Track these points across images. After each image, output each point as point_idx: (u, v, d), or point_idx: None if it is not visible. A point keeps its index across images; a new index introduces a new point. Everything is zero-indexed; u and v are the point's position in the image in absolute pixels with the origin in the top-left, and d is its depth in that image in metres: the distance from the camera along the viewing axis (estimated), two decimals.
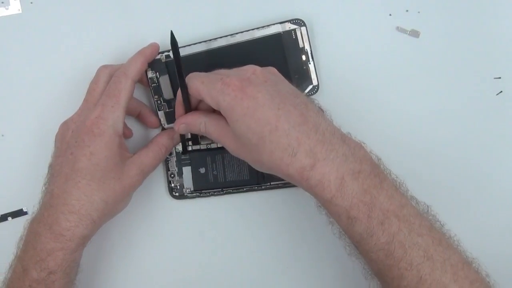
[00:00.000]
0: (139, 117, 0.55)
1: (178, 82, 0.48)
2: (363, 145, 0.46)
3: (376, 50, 0.56)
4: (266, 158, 0.44)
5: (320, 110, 0.47)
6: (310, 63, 0.54)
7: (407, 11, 0.56)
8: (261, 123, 0.44)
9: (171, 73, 0.54)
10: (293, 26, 0.54)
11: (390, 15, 0.56)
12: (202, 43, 0.54)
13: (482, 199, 0.56)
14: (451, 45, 0.56)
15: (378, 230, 0.43)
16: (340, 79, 0.56)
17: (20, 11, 0.55)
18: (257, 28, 0.54)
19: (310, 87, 0.55)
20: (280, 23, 0.54)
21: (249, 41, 0.54)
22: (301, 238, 0.56)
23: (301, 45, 0.54)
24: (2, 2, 0.55)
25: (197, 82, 0.47)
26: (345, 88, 0.56)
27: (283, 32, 0.54)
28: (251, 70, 0.46)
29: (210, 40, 0.54)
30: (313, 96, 0.55)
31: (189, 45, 0.54)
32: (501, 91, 0.56)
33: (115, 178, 0.48)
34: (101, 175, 0.47)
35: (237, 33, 0.54)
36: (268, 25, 0.54)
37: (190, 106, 0.50)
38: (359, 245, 0.45)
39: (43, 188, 0.50)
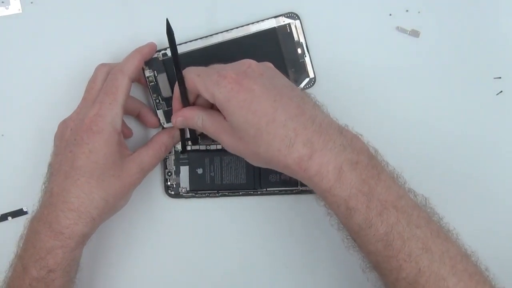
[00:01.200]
0: (138, 117, 0.55)
1: (175, 74, 0.48)
2: (360, 137, 0.46)
3: (376, 50, 0.56)
4: (263, 150, 0.44)
5: (317, 104, 0.48)
6: (306, 56, 0.55)
7: (407, 11, 0.56)
8: (258, 114, 0.44)
9: (168, 71, 0.54)
10: (287, 20, 0.54)
11: (390, 15, 0.56)
12: (198, 40, 0.54)
13: (482, 200, 0.56)
14: (451, 45, 0.56)
15: (376, 221, 0.43)
16: (338, 77, 0.56)
17: (20, 11, 0.55)
18: (252, 23, 0.54)
19: (307, 80, 0.55)
20: (275, 17, 0.54)
21: (244, 37, 0.54)
22: (294, 245, 0.56)
23: (296, 38, 0.55)
24: (2, 2, 0.55)
25: (193, 75, 0.47)
26: (343, 86, 0.56)
27: (277, 26, 0.54)
28: (247, 63, 0.46)
29: (206, 37, 0.54)
30: (310, 89, 0.55)
31: (185, 42, 0.54)
32: (501, 91, 0.56)
33: (114, 176, 0.48)
34: (100, 172, 0.47)
35: (232, 29, 0.54)
36: (262, 20, 0.54)
37: (188, 100, 0.50)
38: (358, 237, 0.44)
39: (43, 186, 0.50)
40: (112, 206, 0.49)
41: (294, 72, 0.55)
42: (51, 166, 0.50)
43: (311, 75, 0.55)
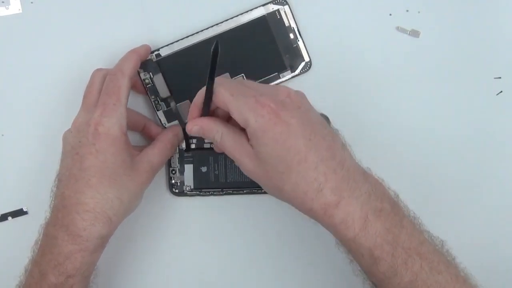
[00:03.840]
0: (143, 131, 0.54)
1: (207, 84, 0.45)
2: (382, 182, 0.46)
3: (376, 50, 0.56)
4: (289, 188, 0.44)
5: (344, 143, 0.47)
6: (299, 41, 0.55)
7: (407, 11, 0.56)
8: (291, 152, 0.43)
9: (164, 71, 0.54)
10: (276, 6, 0.55)
11: (390, 15, 0.56)
12: (189, 37, 0.54)
13: (482, 199, 0.57)
14: (451, 45, 0.56)
15: (401, 269, 0.43)
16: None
17: (21, 11, 0.55)
18: (241, 14, 0.54)
19: (303, 64, 0.55)
20: (263, 5, 0.54)
21: (235, 28, 0.54)
22: (298, 243, 0.56)
23: (287, 24, 0.55)
24: (3, 2, 0.55)
25: (226, 93, 0.45)
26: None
27: (267, 14, 0.54)
28: (285, 92, 0.45)
29: (197, 32, 0.54)
30: (307, 73, 0.55)
31: (177, 41, 0.54)
32: (501, 91, 0.56)
33: (125, 175, 0.47)
34: (111, 172, 0.47)
35: (222, 22, 0.54)
36: (251, 9, 0.54)
37: (209, 111, 0.47)
38: (382, 284, 0.44)
39: (51, 193, 0.49)
40: (127, 206, 0.48)
41: (289, 58, 0.55)
42: (58, 172, 0.49)
43: (306, 58, 0.55)
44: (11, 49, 0.55)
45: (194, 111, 0.48)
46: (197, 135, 0.49)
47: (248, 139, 0.45)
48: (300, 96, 0.46)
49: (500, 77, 0.56)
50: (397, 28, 0.56)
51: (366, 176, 0.45)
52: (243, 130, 0.45)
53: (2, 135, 0.55)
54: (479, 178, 0.57)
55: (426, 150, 0.56)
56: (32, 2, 0.55)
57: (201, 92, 0.46)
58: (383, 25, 0.56)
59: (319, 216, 0.44)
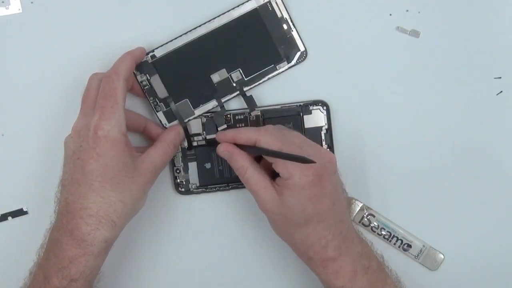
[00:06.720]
0: (144, 132, 0.55)
1: (268, 153, 0.48)
2: (370, 245, 0.52)
3: (376, 49, 0.56)
4: (299, 237, 0.48)
5: (347, 204, 0.52)
6: (292, 31, 0.55)
7: (407, 11, 0.56)
8: (316, 211, 0.48)
9: (160, 72, 0.54)
10: None
11: (390, 15, 0.56)
12: (183, 36, 0.54)
13: (482, 199, 0.57)
14: (451, 45, 0.56)
15: None
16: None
17: (20, 11, 0.55)
18: (233, 9, 0.54)
19: (298, 53, 0.55)
20: None
21: (228, 23, 0.54)
22: None
23: (279, 15, 0.55)
24: (2, 2, 0.55)
25: (275, 148, 0.48)
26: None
27: (258, 6, 0.54)
28: (328, 157, 0.49)
29: (190, 31, 0.54)
30: (303, 63, 0.55)
31: (171, 40, 0.54)
32: (501, 91, 0.56)
33: (128, 177, 0.48)
34: (112, 175, 0.47)
35: (214, 18, 0.54)
36: (242, 3, 0.54)
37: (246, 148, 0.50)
38: None
39: (55, 199, 0.50)
40: (130, 208, 0.48)
41: (284, 49, 0.55)
42: (61, 178, 0.49)
43: (302, 48, 0.55)
44: (11, 49, 0.55)
45: (229, 137, 0.51)
46: (221, 156, 0.52)
47: (272, 182, 0.49)
48: (335, 160, 0.50)
49: (500, 77, 0.56)
50: (397, 28, 0.56)
51: (360, 238, 0.51)
52: (266, 171, 0.49)
53: (2, 135, 0.55)
54: (479, 178, 0.57)
55: (425, 150, 0.56)
56: (32, 2, 0.55)
57: (248, 134, 0.49)
58: (383, 25, 0.56)
59: (315, 264, 0.49)
